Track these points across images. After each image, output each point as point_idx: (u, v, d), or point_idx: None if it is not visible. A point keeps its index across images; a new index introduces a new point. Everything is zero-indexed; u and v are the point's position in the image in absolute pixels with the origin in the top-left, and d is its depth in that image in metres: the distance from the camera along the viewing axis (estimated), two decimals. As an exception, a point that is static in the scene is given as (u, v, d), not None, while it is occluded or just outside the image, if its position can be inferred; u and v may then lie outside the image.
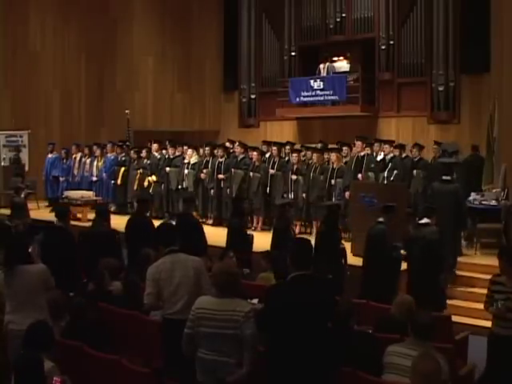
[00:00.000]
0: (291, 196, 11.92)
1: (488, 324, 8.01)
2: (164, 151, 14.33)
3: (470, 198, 10.31)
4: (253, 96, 18.19)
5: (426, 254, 7.62)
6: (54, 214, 7.93)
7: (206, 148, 13.48)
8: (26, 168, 16.61)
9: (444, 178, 9.28)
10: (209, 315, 4.28)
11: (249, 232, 9.88)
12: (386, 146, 11.88)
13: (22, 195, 12.19)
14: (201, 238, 8.96)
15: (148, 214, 10.80)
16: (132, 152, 14.67)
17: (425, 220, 7.92)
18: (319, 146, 13.53)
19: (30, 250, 5.81)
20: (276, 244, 8.55)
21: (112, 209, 14.50)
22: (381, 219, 7.93)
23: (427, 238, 7.71)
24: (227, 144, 14.26)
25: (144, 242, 7.41)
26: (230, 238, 9.18)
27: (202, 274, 5.10)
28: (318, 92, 15.77)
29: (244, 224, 9.61)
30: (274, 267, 7.16)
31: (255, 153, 12.61)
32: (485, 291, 8.56)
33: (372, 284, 7.73)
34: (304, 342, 3.96)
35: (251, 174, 12.46)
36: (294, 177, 11.97)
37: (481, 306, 8.36)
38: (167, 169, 13.77)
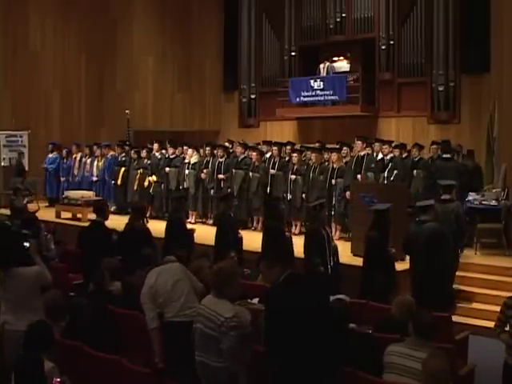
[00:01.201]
0: (290, 196, 11.91)
1: (487, 324, 8.04)
2: (164, 151, 14.32)
3: (470, 198, 10.31)
4: (253, 96, 18.19)
5: (457, 226, 8.07)
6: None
7: (207, 148, 13.48)
8: (26, 168, 16.61)
9: (444, 156, 10.15)
10: (203, 312, 4.38)
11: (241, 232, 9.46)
12: (385, 146, 11.89)
13: (25, 201, 12.15)
14: (236, 236, 8.82)
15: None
16: (132, 152, 14.67)
17: (446, 196, 8.32)
18: (317, 145, 13.52)
19: (27, 245, 5.78)
20: (309, 247, 7.95)
21: (112, 209, 14.52)
22: (424, 217, 7.53)
23: (455, 211, 8.16)
24: (226, 144, 14.24)
25: (179, 242, 7.75)
26: (265, 241, 8.58)
27: (188, 274, 5.33)
28: (318, 92, 15.78)
29: (282, 226, 8.91)
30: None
31: (254, 153, 12.60)
32: (485, 291, 8.65)
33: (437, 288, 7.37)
34: (304, 341, 3.95)
35: (251, 174, 12.46)
36: (292, 177, 11.96)
37: (481, 306, 8.42)
38: (167, 169, 13.77)
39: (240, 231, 9.17)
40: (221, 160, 13.00)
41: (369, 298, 6.66)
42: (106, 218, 8.04)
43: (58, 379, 4.07)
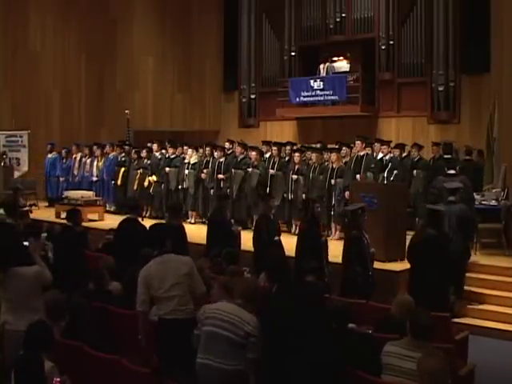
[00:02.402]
0: (291, 196, 11.91)
1: (487, 324, 8.04)
2: (164, 151, 14.33)
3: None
4: (253, 96, 18.18)
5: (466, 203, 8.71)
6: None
7: (207, 148, 13.49)
8: (26, 168, 16.63)
9: (446, 156, 11.28)
10: (216, 315, 4.41)
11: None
12: (384, 146, 11.90)
13: (27, 206, 12.12)
14: (272, 239, 8.39)
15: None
16: (132, 152, 14.67)
17: (451, 171, 9.47)
18: (318, 146, 13.53)
19: (27, 245, 5.78)
20: (349, 254, 7.66)
21: (112, 209, 14.55)
22: (452, 198, 8.22)
23: (465, 183, 8.86)
24: (227, 144, 14.23)
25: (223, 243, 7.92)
26: (300, 245, 8.25)
27: (193, 274, 5.17)
28: (318, 92, 15.77)
29: (318, 230, 8.35)
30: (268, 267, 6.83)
31: (254, 153, 12.60)
32: (484, 291, 8.64)
33: None
34: (305, 345, 3.94)
35: (250, 169, 12.44)
36: (294, 176, 11.96)
37: (480, 305, 8.41)
38: (167, 169, 13.77)
39: (278, 234, 8.66)
40: (221, 160, 13.00)
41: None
42: (141, 216, 8.19)
43: (58, 379, 4.08)
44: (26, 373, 3.91)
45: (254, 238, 8.69)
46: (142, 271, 5.21)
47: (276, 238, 8.52)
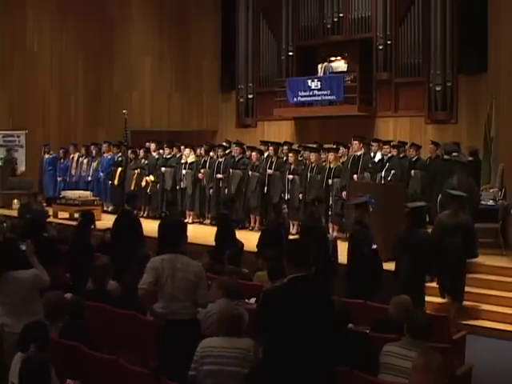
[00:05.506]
0: (288, 196, 11.91)
1: (485, 324, 8.05)
2: (161, 151, 14.33)
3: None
4: (250, 96, 18.18)
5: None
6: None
7: (204, 148, 13.52)
8: (23, 168, 16.60)
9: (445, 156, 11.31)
10: (215, 353, 4.33)
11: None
12: (386, 146, 11.91)
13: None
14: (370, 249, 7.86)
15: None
16: (129, 152, 14.67)
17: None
18: (315, 146, 13.53)
19: (24, 247, 5.74)
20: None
21: (109, 209, 14.54)
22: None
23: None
24: (224, 144, 14.25)
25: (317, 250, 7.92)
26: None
27: (201, 281, 5.14)
28: (316, 92, 15.78)
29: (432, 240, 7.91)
30: (269, 266, 6.94)
31: (254, 153, 12.62)
32: (481, 291, 8.65)
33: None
34: (303, 343, 3.93)
35: (250, 173, 12.46)
36: (290, 176, 11.97)
37: (478, 305, 8.42)
38: (162, 169, 13.79)
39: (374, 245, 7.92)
40: (220, 160, 13.02)
41: None
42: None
43: (72, 382, 4.08)
44: (33, 376, 3.87)
45: (349, 246, 7.98)
46: (154, 259, 5.20)
47: (374, 246, 7.91)
